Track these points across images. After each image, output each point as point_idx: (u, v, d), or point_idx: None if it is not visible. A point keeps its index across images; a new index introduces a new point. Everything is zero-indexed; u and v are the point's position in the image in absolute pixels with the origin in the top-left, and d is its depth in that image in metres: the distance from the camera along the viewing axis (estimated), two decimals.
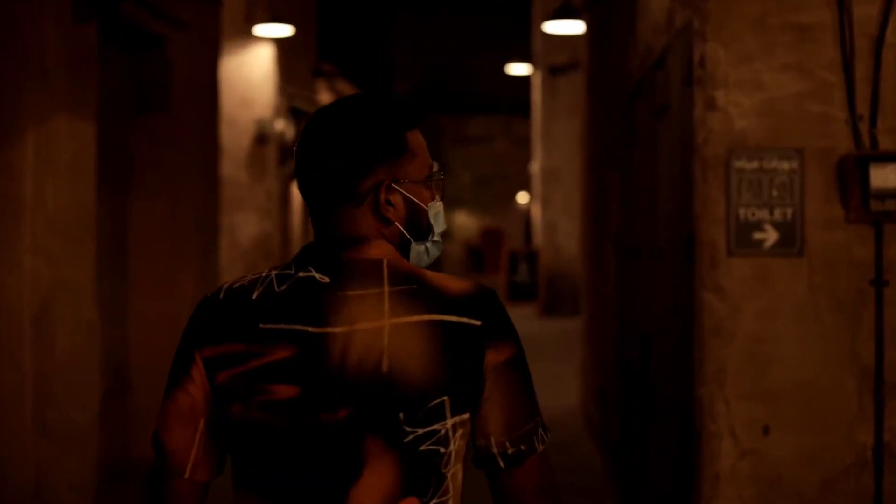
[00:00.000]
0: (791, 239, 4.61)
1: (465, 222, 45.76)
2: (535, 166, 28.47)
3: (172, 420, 2.11)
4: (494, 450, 2.09)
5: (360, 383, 2.00)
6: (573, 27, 11.71)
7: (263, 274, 2.12)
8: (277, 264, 2.26)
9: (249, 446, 2.06)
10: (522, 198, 42.52)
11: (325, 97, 21.45)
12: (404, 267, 2.10)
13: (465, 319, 2.05)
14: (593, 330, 10.42)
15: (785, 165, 4.62)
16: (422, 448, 2.02)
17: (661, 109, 5.94)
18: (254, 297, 2.07)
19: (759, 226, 4.62)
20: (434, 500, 2.06)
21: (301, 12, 17.31)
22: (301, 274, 2.08)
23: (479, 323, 2.06)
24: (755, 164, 4.62)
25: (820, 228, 4.60)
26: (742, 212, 4.62)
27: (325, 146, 2.09)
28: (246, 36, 15.78)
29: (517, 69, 27.89)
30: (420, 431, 2.02)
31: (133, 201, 8.53)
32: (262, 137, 15.99)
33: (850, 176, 4.54)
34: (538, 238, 27.30)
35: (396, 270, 2.08)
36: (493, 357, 2.07)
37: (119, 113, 8.31)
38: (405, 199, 2.13)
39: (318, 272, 2.07)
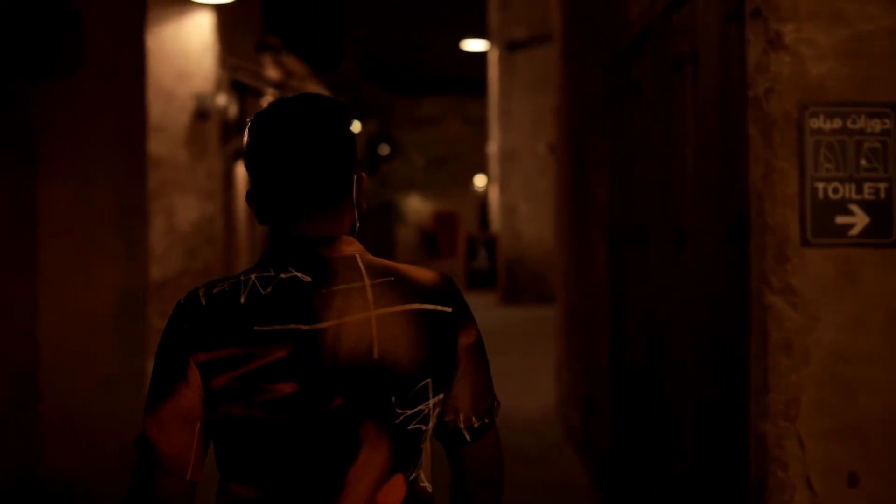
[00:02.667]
0: (886, 224, 3.44)
1: (418, 206, 44.71)
2: (493, 147, 27.34)
3: (170, 424, 2.15)
4: (462, 424, 2.29)
5: (353, 372, 2.14)
6: None
7: (242, 278, 2.22)
8: (251, 265, 2.33)
9: (248, 441, 2.14)
10: (480, 180, 41.37)
11: (271, 72, 20.13)
12: (375, 260, 2.26)
13: (439, 307, 2.24)
14: (573, 325, 9.24)
15: (876, 125, 3.45)
16: (409, 427, 2.18)
17: (683, 58, 4.75)
18: (242, 301, 2.17)
19: (842, 206, 3.45)
20: (414, 474, 2.23)
21: None
22: (283, 275, 2.19)
23: (450, 310, 2.25)
24: (837, 124, 3.45)
25: None
26: (821, 187, 3.44)
27: (320, 148, 2.22)
28: (182, 2, 14.45)
29: (473, 45, 26.68)
30: (409, 412, 2.18)
31: (41, 180, 7.22)
32: (202, 113, 14.66)
33: None
34: (496, 222, 26.22)
35: (370, 264, 2.24)
36: (464, 340, 2.26)
37: (17, 74, 7.01)
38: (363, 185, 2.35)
39: (298, 272, 2.19)
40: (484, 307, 22.83)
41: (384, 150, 35.09)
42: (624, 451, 6.72)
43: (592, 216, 7.78)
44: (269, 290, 2.17)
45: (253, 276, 2.20)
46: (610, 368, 7.14)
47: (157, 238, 14.44)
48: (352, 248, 2.25)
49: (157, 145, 14.29)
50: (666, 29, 5.14)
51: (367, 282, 2.20)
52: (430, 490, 2.29)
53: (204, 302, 2.18)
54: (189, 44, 14.80)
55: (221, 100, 14.98)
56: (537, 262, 23.86)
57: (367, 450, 2.16)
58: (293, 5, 23.18)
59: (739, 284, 3.78)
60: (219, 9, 14.94)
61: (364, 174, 2.33)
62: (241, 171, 18.79)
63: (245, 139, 2.30)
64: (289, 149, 2.21)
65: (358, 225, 2.34)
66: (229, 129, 15.54)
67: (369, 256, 2.26)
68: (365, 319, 2.16)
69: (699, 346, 4.52)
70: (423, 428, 2.22)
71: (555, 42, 10.79)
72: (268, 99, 19.93)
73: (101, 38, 7.58)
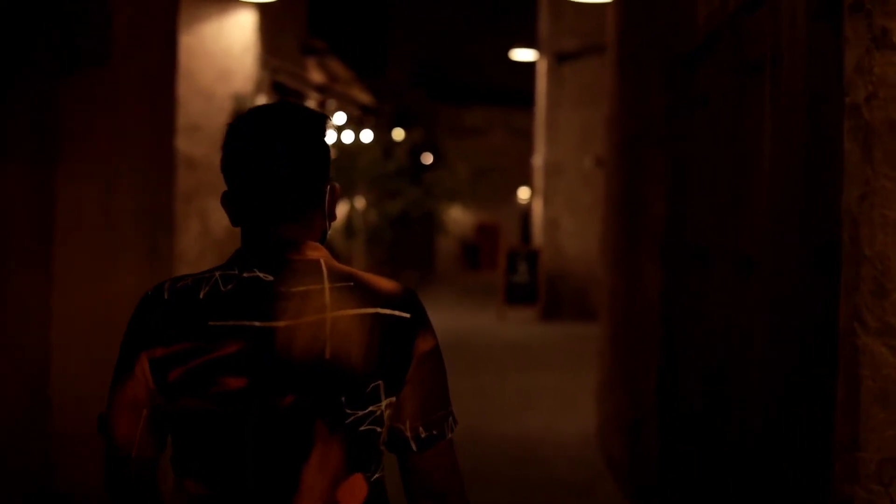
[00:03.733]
0: None
1: (461, 217, 44.27)
2: (538, 159, 26.85)
3: (118, 409, 2.31)
4: (408, 433, 2.33)
5: (305, 371, 2.23)
6: None
7: (207, 274, 2.32)
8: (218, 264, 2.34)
9: (203, 436, 2.24)
10: (524, 193, 40.84)
11: (315, 76, 19.75)
12: (338, 266, 2.35)
13: (397, 312, 2.32)
14: (618, 347, 8.74)
15: None
16: (361, 428, 2.26)
17: (759, 62, 4.26)
18: (201, 296, 2.27)
19: None
20: (376, 474, 2.33)
21: None
22: (245, 274, 2.29)
23: (408, 315, 2.33)
24: None
25: None
26: None
27: (295, 159, 2.30)
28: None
29: (521, 55, 26.22)
30: (359, 413, 2.26)
31: (60, 180, 6.79)
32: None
33: None
34: (538, 236, 25.72)
35: (333, 269, 2.33)
36: (420, 345, 2.33)
37: (40, 67, 6.60)
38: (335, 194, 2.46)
39: (261, 272, 2.29)
40: (523, 323, 22.33)
41: (428, 158, 34.61)
42: (672, 487, 6.23)
43: (644, 234, 7.29)
44: (229, 287, 2.27)
45: (217, 274, 2.29)
46: (658, 397, 6.65)
47: (190, 242, 14.05)
48: (317, 253, 2.34)
49: (194, 146, 13.91)
50: (739, 30, 4.65)
51: (327, 285, 2.28)
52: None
53: (167, 296, 2.29)
54: (230, 43, 14.42)
55: (261, 101, 14.56)
56: (579, 277, 23.35)
57: (319, 449, 2.23)
58: (339, 9, 22.80)
59: (825, 322, 3.28)
60: (261, 9, 14.56)
61: (337, 185, 2.40)
62: None
63: (222, 142, 2.37)
64: (264, 158, 2.28)
65: (328, 232, 2.42)
66: None
67: (334, 262, 2.35)
68: (320, 320, 2.24)
69: (771, 388, 4.01)
70: (378, 430, 2.29)
71: (609, 49, 10.30)
72: (311, 102, 19.55)
73: (129, 31, 7.17)
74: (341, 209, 29.28)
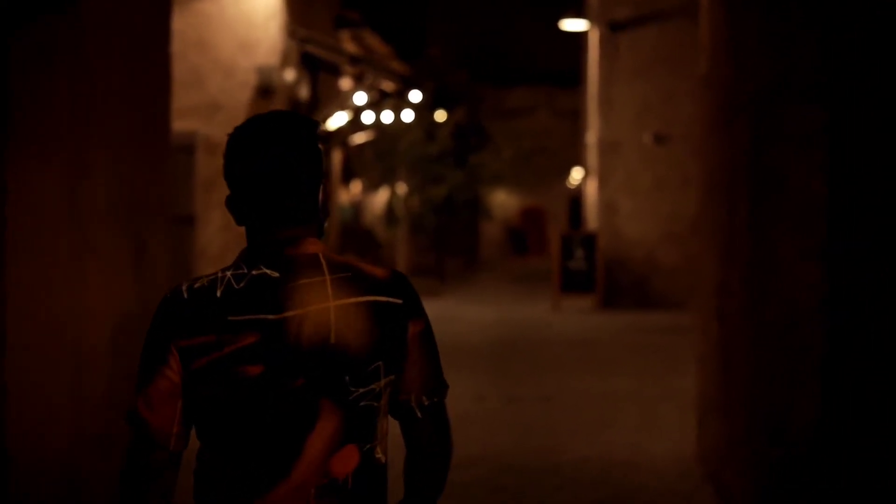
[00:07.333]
0: None
1: (505, 201, 42.76)
2: (591, 137, 25.12)
3: (154, 400, 2.51)
4: (413, 403, 2.65)
5: (313, 355, 2.51)
6: None
7: (220, 274, 2.57)
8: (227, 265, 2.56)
9: (222, 416, 2.50)
10: (577, 173, 39.03)
11: (349, 48, 18.00)
12: (335, 258, 2.62)
13: (391, 299, 2.61)
14: (735, 359, 6.97)
15: None
16: (362, 404, 2.55)
17: None
18: (218, 294, 2.52)
19: None
20: (369, 445, 2.58)
21: None
22: (254, 272, 2.54)
23: (400, 301, 2.62)
24: None
25: None
26: None
27: (291, 167, 2.55)
28: None
29: (571, 25, 24.45)
30: (361, 390, 2.55)
31: (11, 164, 5.09)
32: (265, 89, 12.54)
33: None
34: (593, 219, 24.02)
35: (331, 261, 2.60)
36: (413, 328, 2.64)
37: None
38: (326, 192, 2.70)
39: (267, 269, 2.55)
40: (580, 313, 20.68)
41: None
42: None
43: (784, 217, 5.53)
44: (241, 285, 2.52)
45: (228, 273, 2.55)
46: (817, 430, 4.93)
47: (211, 236, 12.36)
48: (315, 247, 2.61)
49: (214, 127, 12.21)
50: None
51: (328, 276, 2.55)
52: (383, 461, 2.63)
53: (186, 296, 2.53)
54: (252, 10, 12.68)
55: (289, 75, 12.87)
56: (639, 263, 21.81)
57: (322, 421, 2.51)
58: None
59: None
60: None
61: (327, 182, 2.63)
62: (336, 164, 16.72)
63: (224, 151, 2.57)
64: (261, 168, 2.53)
65: (326, 226, 2.69)
66: (299, 110, 13.33)
67: (331, 255, 2.62)
68: (324, 309, 2.52)
69: None
70: (375, 405, 2.57)
71: None
72: (346, 79, 17.87)
73: None
74: (382, 195, 27.58)
